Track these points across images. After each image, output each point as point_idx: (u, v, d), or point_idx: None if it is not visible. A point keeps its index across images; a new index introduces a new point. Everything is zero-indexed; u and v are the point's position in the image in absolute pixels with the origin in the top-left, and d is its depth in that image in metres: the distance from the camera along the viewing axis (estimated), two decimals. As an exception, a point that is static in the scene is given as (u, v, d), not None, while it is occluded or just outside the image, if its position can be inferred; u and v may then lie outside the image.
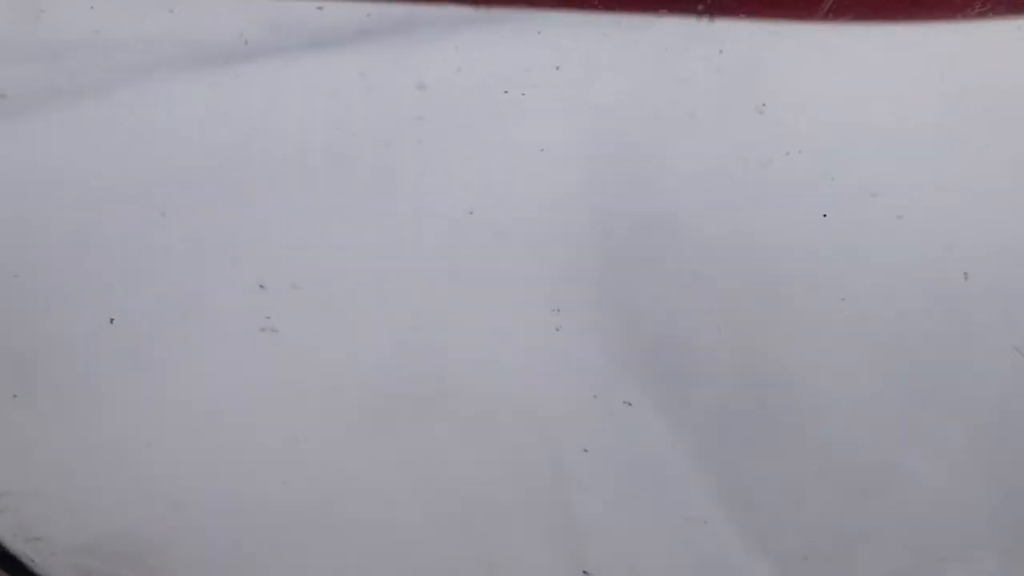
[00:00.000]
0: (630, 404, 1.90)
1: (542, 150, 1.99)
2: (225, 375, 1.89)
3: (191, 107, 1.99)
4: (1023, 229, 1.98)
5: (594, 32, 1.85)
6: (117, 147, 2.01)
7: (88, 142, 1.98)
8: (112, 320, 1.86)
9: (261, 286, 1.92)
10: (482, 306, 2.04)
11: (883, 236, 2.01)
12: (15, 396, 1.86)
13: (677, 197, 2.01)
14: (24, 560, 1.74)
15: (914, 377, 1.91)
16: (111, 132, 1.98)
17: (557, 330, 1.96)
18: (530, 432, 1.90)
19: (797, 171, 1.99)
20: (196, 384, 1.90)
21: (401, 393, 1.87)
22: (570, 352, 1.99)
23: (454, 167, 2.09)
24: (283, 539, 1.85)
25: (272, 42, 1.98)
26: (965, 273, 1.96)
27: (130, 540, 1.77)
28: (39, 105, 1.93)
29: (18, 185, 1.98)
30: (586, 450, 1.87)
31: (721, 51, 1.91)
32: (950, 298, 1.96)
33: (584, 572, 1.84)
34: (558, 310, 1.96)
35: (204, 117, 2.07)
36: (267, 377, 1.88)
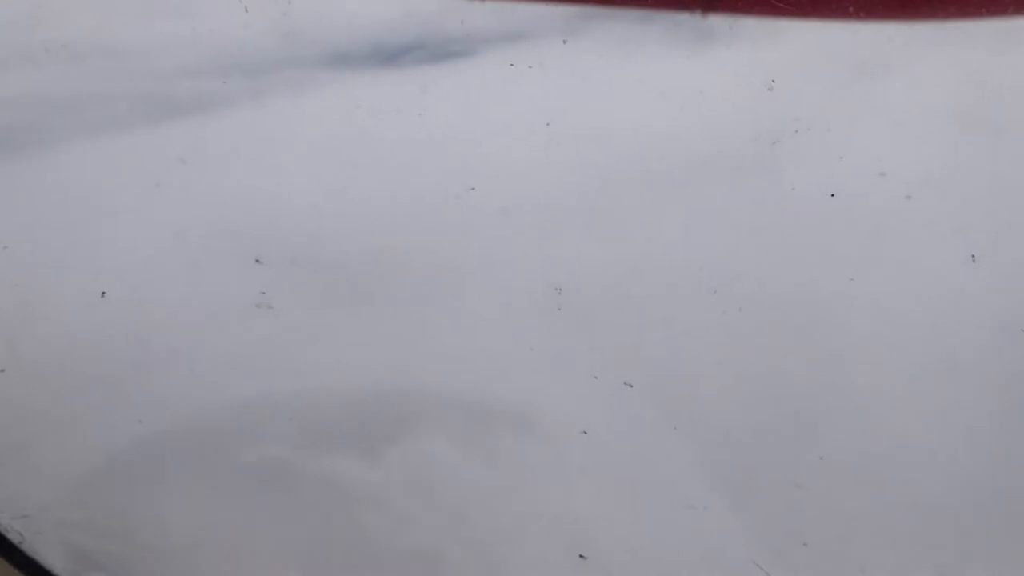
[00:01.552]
0: (631, 386, 1.87)
1: (547, 124, 1.96)
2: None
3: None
4: (1034, 212, 1.97)
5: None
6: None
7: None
8: (103, 294, 1.83)
9: (257, 260, 1.89)
10: (482, 284, 2.02)
11: (891, 216, 2.00)
12: (2, 371, 1.84)
13: (684, 172, 1.99)
14: (12, 538, 1.72)
15: (921, 358, 1.89)
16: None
17: (559, 309, 1.93)
18: (528, 413, 1.87)
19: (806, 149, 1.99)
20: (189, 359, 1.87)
21: (395, 384, 1.84)
22: (570, 331, 1.96)
23: (456, 141, 2.08)
24: (279, 530, 1.82)
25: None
26: (972, 255, 1.94)
27: (120, 516, 1.74)
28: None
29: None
30: (585, 432, 1.83)
31: (731, 27, 1.89)
32: (957, 279, 1.95)
33: (580, 555, 1.81)
34: (559, 290, 1.94)
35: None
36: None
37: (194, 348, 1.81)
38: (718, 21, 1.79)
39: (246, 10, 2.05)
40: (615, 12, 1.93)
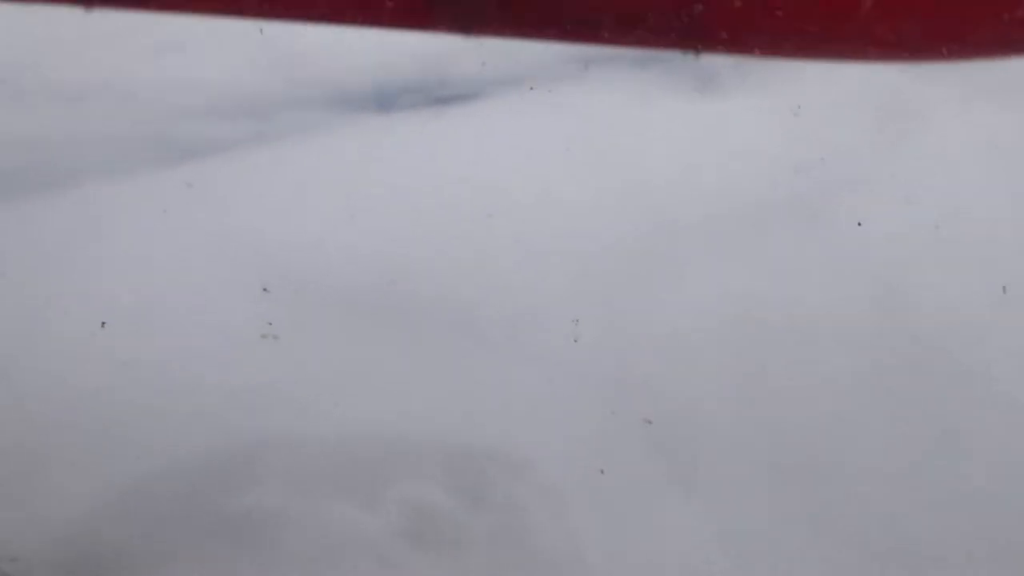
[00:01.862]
0: (650, 422, 1.79)
1: (567, 149, 1.92)
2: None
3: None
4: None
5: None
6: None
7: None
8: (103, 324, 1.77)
9: (264, 290, 1.84)
10: (499, 316, 1.97)
11: (920, 245, 1.94)
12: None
13: (705, 202, 1.94)
14: (3, 580, 1.64)
15: (949, 388, 1.82)
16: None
17: (575, 342, 1.87)
18: (545, 450, 1.80)
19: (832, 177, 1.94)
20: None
21: (397, 426, 1.77)
22: (588, 365, 1.90)
23: (473, 165, 2.03)
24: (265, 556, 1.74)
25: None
26: (1004, 287, 1.88)
27: (111, 559, 1.66)
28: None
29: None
30: (603, 471, 1.75)
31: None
32: (987, 311, 1.89)
33: None
34: (577, 321, 1.88)
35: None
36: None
37: (193, 384, 1.75)
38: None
39: (252, 54, 2.05)
40: (620, 54, 1.93)
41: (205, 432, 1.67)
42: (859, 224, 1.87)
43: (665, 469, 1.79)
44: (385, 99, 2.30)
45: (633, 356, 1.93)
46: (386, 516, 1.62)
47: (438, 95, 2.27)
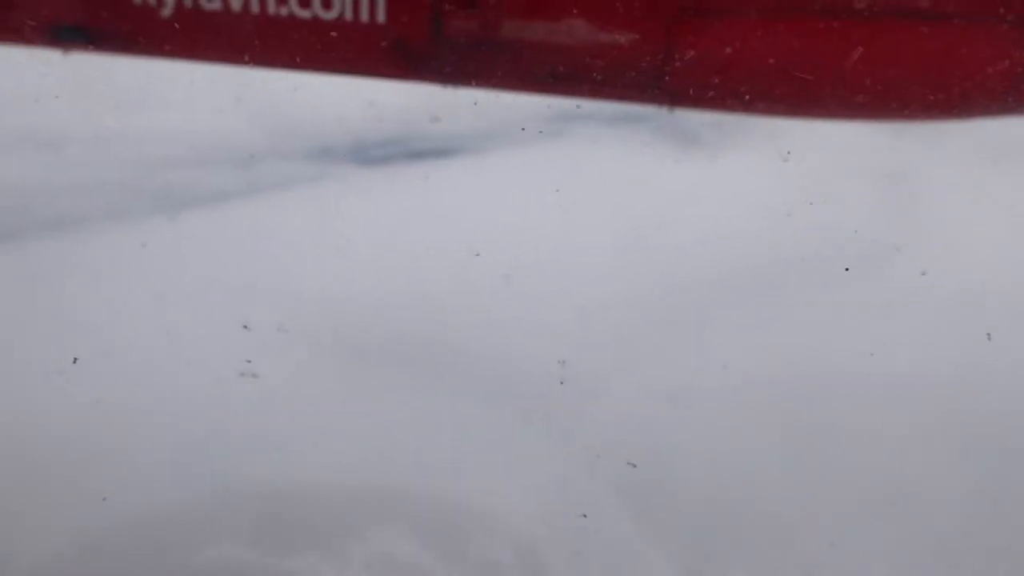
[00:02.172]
0: (634, 466, 1.77)
1: (557, 190, 1.91)
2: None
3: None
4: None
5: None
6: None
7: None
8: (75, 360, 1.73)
9: (245, 327, 1.82)
10: (481, 361, 1.94)
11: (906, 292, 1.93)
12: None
13: (696, 245, 1.93)
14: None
15: (936, 435, 1.81)
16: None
17: (561, 383, 1.85)
18: (524, 498, 1.77)
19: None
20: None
21: (369, 476, 1.73)
22: (572, 406, 1.87)
23: (462, 204, 2.02)
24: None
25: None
26: (988, 333, 1.87)
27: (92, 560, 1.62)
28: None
29: None
30: (585, 516, 1.73)
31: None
32: (972, 357, 1.88)
33: None
34: (563, 362, 1.86)
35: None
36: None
37: (165, 426, 1.71)
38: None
39: (231, 106, 2.06)
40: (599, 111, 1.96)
41: (174, 479, 1.63)
42: (846, 269, 1.87)
43: (648, 515, 1.77)
44: (364, 152, 2.32)
45: (620, 397, 1.90)
46: (356, 570, 1.58)
47: (417, 148, 2.30)
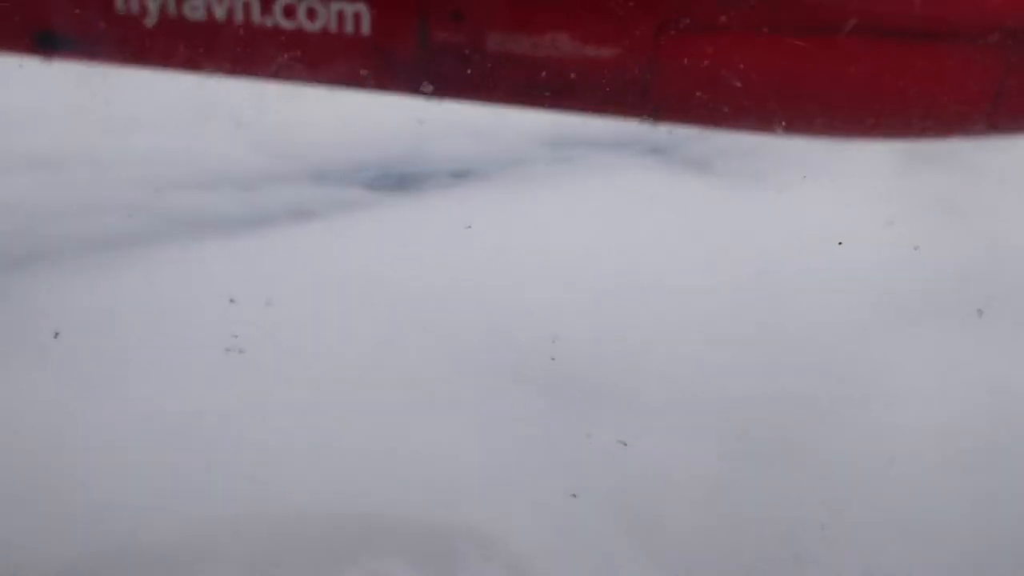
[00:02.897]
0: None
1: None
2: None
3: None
4: None
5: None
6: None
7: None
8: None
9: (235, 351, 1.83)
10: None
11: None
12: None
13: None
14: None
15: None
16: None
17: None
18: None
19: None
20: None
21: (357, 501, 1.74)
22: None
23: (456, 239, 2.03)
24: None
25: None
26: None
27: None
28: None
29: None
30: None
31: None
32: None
33: None
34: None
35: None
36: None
37: (160, 449, 1.73)
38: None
39: (230, 129, 2.05)
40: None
41: (163, 509, 1.64)
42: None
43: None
44: (366, 175, 2.35)
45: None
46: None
47: (417, 171, 2.35)
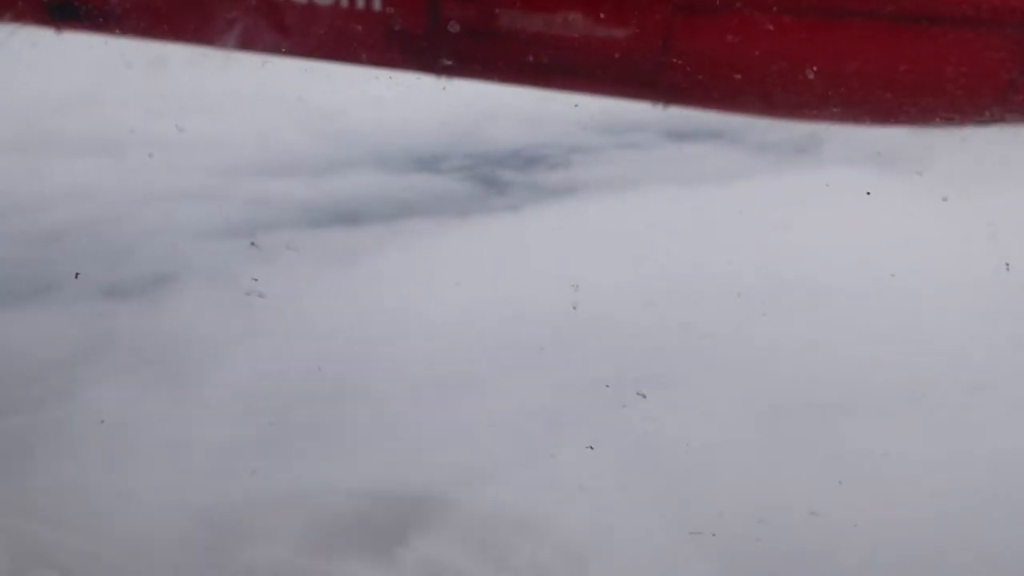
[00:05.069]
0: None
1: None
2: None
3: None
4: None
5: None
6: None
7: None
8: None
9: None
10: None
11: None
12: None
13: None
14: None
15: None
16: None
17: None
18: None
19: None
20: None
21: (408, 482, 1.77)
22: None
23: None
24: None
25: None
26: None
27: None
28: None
29: None
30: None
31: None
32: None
33: None
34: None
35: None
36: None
37: (205, 433, 1.76)
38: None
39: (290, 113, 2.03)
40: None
41: (214, 483, 1.67)
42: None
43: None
44: (425, 161, 2.35)
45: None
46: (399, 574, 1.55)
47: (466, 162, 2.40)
